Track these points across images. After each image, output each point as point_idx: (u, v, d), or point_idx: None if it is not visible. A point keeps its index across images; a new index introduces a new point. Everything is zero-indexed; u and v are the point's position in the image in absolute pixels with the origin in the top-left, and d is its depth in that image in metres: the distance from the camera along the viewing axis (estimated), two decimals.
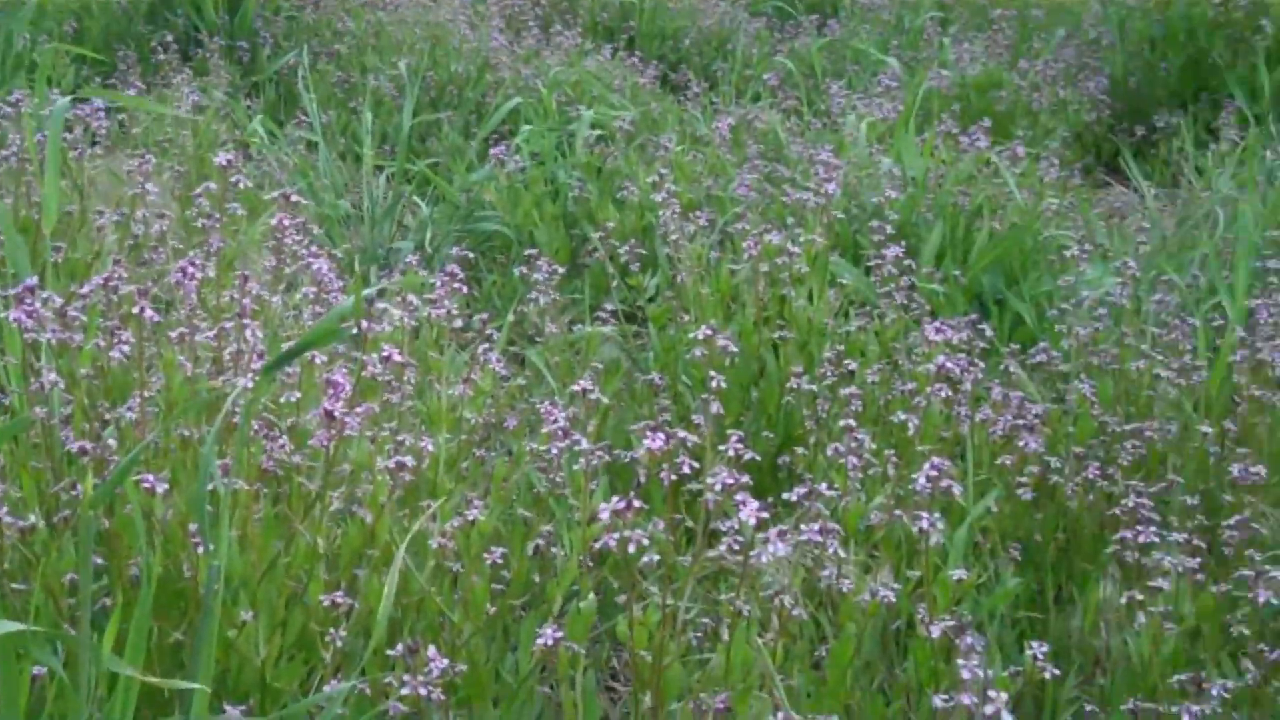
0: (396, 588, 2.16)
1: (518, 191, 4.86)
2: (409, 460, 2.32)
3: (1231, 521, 2.66)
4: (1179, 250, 4.43)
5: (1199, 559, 2.52)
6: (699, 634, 2.37)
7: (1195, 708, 2.22)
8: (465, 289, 3.21)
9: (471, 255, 4.36)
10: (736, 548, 2.07)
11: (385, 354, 2.55)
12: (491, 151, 5.00)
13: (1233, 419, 3.11)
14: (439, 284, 3.11)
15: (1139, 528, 2.51)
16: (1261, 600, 2.33)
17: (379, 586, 2.19)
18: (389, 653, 2.13)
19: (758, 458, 2.45)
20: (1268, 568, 2.38)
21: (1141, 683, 2.40)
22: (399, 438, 2.45)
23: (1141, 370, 3.32)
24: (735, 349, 3.22)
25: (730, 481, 2.04)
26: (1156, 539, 2.50)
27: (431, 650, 2.07)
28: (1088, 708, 2.50)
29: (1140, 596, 2.42)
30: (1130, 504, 2.59)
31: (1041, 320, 4.08)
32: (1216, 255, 4.25)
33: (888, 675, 2.50)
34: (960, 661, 1.97)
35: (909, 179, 4.65)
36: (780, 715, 1.87)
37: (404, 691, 2.04)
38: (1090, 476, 2.91)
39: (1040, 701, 2.50)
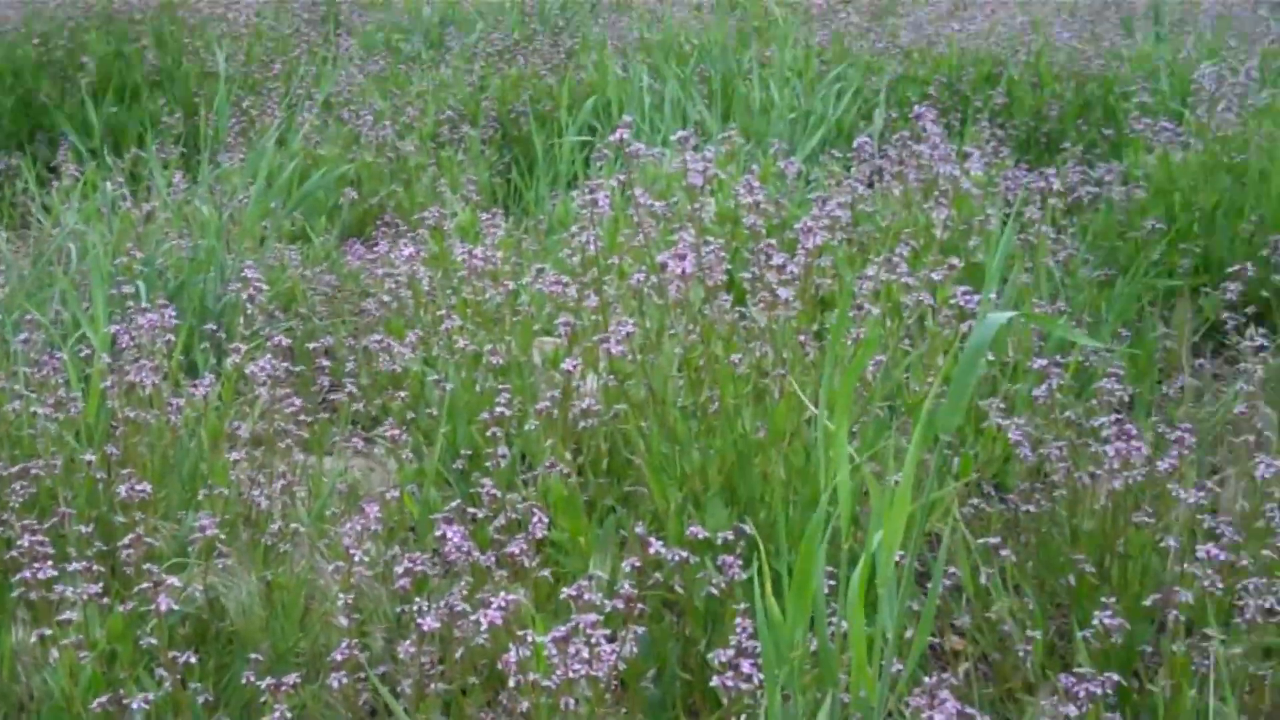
0: None
1: None
2: None
3: (126, 540, 2.75)
4: (38, 289, 4.45)
5: (101, 583, 2.59)
6: None
7: None
8: None
9: None
10: None
11: None
12: None
13: (114, 443, 3.19)
14: None
15: (37, 565, 2.53)
16: (165, 608, 2.44)
17: None
18: None
19: None
20: (166, 577, 2.50)
21: (66, 716, 2.42)
22: None
23: (19, 410, 3.31)
24: None
25: None
26: (56, 572, 2.53)
27: None
28: None
29: (50, 632, 2.44)
30: (26, 543, 2.60)
31: None
32: (74, 288, 4.32)
33: None
34: None
35: None
36: None
37: None
38: None
39: None
